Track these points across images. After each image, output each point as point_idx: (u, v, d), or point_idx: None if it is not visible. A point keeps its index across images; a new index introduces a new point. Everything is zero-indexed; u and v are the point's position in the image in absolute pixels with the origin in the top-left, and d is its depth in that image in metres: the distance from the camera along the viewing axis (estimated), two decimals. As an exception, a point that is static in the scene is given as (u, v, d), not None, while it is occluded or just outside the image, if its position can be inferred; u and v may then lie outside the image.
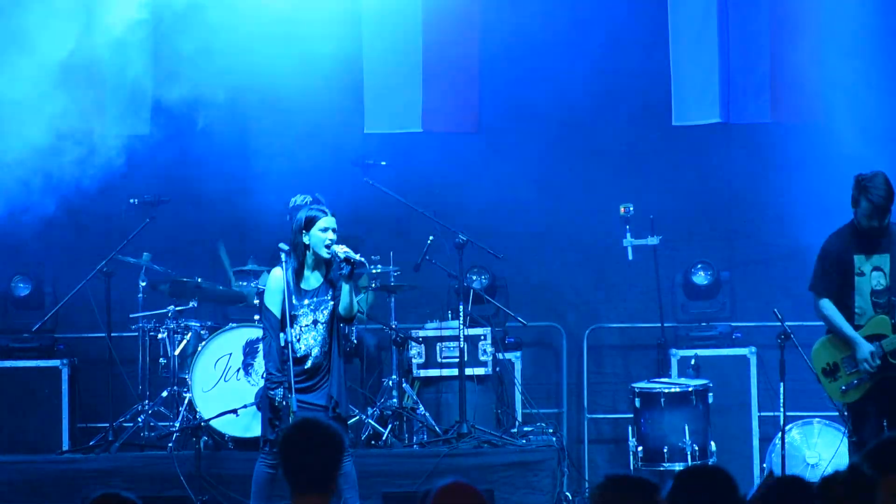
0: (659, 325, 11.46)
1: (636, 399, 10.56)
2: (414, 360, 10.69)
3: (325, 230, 8.41)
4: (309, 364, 8.39)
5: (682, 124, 12.08)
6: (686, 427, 10.34)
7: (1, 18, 11.01)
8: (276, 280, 8.44)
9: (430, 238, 10.59)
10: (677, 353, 11.32)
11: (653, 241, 11.40)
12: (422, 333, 10.75)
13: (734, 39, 11.92)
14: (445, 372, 10.63)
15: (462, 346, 10.33)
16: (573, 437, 11.87)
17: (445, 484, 4.47)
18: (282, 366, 8.32)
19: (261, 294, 9.71)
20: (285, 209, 10.62)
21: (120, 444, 10.22)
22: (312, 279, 8.47)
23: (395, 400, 10.51)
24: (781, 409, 9.52)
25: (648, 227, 11.39)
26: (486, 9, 12.07)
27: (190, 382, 10.24)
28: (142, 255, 10.77)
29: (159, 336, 10.62)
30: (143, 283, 10.73)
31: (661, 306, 11.47)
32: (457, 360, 10.41)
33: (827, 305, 8.95)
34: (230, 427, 10.07)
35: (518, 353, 11.43)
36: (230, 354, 10.27)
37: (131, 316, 10.74)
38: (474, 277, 11.25)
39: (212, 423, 10.03)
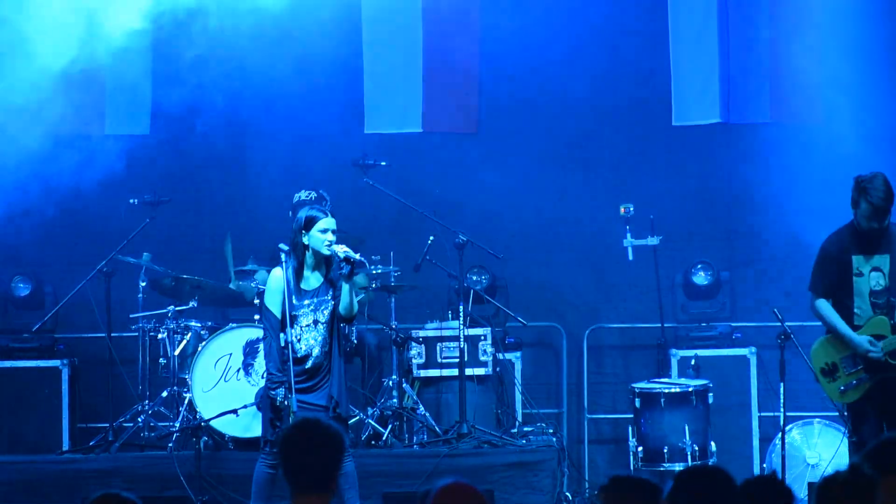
0: (659, 325, 11.46)
1: (636, 399, 10.56)
2: (414, 361, 10.68)
3: (324, 231, 8.41)
4: (309, 364, 8.39)
5: (682, 124, 12.08)
6: (686, 427, 10.33)
7: (2, 25, 11.03)
8: (276, 280, 8.44)
9: (431, 238, 10.59)
10: (677, 354, 11.32)
11: (653, 241, 11.40)
12: (422, 334, 10.74)
13: (734, 39, 11.93)
14: (445, 372, 10.62)
15: (462, 346, 10.32)
16: (573, 438, 11.86)
17: (445, 484, 4.48)
18: (282, 366, 8.32)
19: (261, 294, 9.71)
20: (286, 209, 10.63)
21: (120, 445, 10.22)
22: (312, 279, 8.47)
23: (395, 400, 10.51)
24: (781, 410, 9.51)
25: (648, 227, 11.39)
26: (485, 9, 12.07)
27: (190, 382, 10.23)
28: (142, 255, 10.76)
29: (159, 336, 10.61)
30: (144, 283, 10.73)
31: (661, 306, 11.47)
32: (457, 360, 10.41)
33: (823, 305, 8.95)
34: (230, 427, 10.06)
35: (518, 354, 11.43)
36: (230, 354, 10.26)
37: (131, 316, 10.74)
38: (474, 277, 11.24)
39: (212, 423, 10.03)
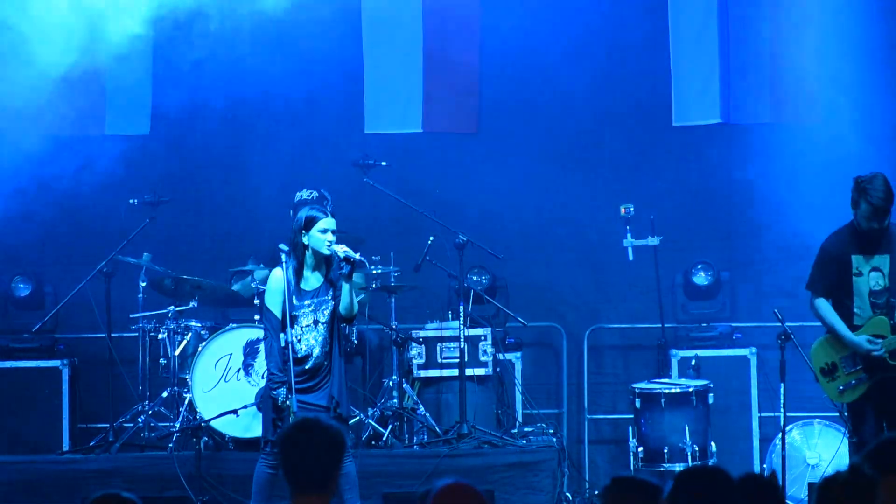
0: (659, 325, 11.46)
1: (636, 399, 10.56)
2: (414, 361, 10.68)
3: (324, 231, 8.41)
4: (310, 364, 8.39)
5: (682, 124, 12.08)
6: (686, 427, 10.33)
7: (4, 28, 11.06)
8: (276, 280, 8.44)
9: (431, 238, 10.59)
10: (677, 354, 11.32)
11: (653, 241, 11.40)
12: (422, 334, 10.74)
13: (734, 40, 11.93)
14: (446, 372, 10.62)
15: (462, 346, 10.32)
16: (573, 438, 11.86)
17: (445, 484, 4.48)
18: (283, 366, 8.32)
19: (261, 294, 9.71)
20: (286, 209, 10.62)
21: (120, 445, 10.22)
22: (313, 279, 8.47)
23: (395, 400, 10.51)
24: (782, 410, 9.51)
25: (649, 227, 11.39)
26: (486, 9, 12.07)
27: (190, 383, 10.23)
28: (142, 255, 10.76)
29: (159, 336, 10.61)
30: (144, 284, 10.73)
31: (661, 307, 11.47)
32: (457, 360, 10.41)
33: (822, 305, 8.96)
34: (230, 427, 10.06)
35: (518, 354, 11.43)
36: (230, 355, 10.26)
37: (131, 316, 10.74)
38: (474, 278, 11.24)
39: (212, 423, 10.03)
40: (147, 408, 10.44)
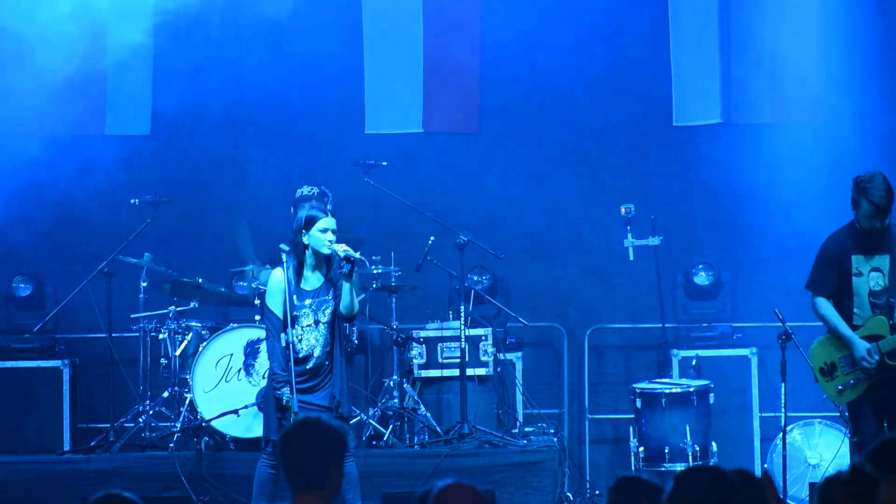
0: (660, 325, 11.46)
1: (637, 399, 10.56)
2: (415, 361, 10.68)
3: (324, 231, 8.40)
4: (311, 364, 8.39)
5: (683, 124, 12.09)
6: (687, 427, 10.33)
7: (5, 34, 11.11)
8: (277, 281, 8.44)
9: (431, 238, 10.58)
10: (678, 354, 11.32)
11: (654, 241, 11.39)
12: (423, 334, 10.74)
13: (735, 40, 11.93)
14: (446, 372, 10.62)
15: (463, 346, 10.32)
16: (574, 438, 11.86)
17: (446, 484, 4.48)
18: (285, 365, 8.32)
19: (261, 294, 9.71)
20: (287, 209, 10.62)
21: (121, 445, 10.22)
22: (313, 279, 8.47)
23: (396, 400, 10.51)
24: (782, 410, 9.51)
25: (649, 227, 11.39)
26: (486, 9, 12.07)
27: (191, 383, 10.23)
28: (143, 255, 10.76)
29: (160, 336, 10.61)
30: (145, 284, 10.73)
31: (662, 307, 11.47)
32: (458, 360, 10.41)
33: (823, 304, 8.96)
34: (231, 427, 10.06)
35: (519, 354, 11.43)
36: (231, 355, 10.26)
37: (132, 316, 10.74)
38: (475, 278, 11.24)
39: (213, 423, 10.03)
40: (148, 408, 10.44)
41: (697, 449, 10.28)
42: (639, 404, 10.54)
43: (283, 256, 8.46)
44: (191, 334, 10.55)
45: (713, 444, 10.45)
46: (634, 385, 10.73)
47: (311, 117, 12.13)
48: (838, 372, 8.92)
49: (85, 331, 11.47)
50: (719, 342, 11.51)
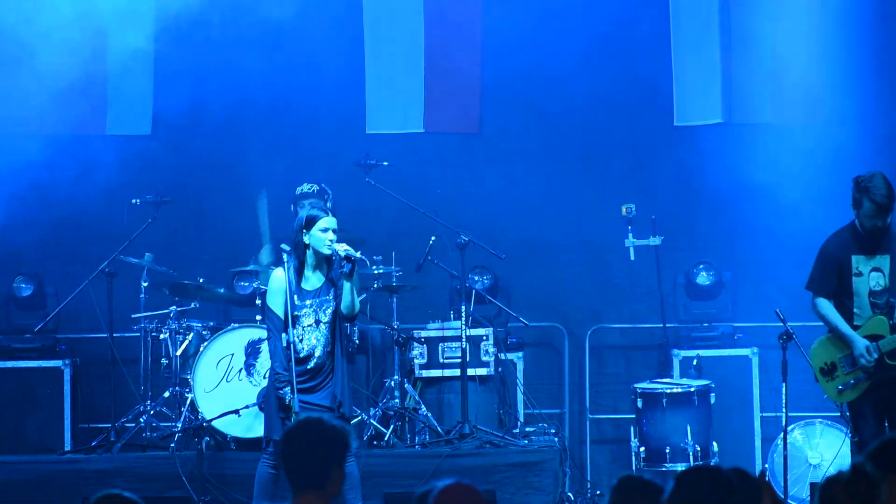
0: (661, 325, 11.45)
1: (638, 399, 10.56)
2: (416, 361, 10.68)
3: (325, 230, 8.40)
4: (312, 364, 8.39)
5: (683, 124, 12.09)
6: (688, 427, 10.33)
7: (8, 37, 11.14)
8: (277, 281, 8.44)
9: (432, 238, 10.58)
10: (679, 354, 11.31)
11: (655, 241, 11.39)
12: (424, 334, 10.74)
13: (736, 40, 11.93)
14: (447, 372, 10.62)
15: (464, 346, 10.32)
16: (575, 438, 11.85)
17: (447, 484, 4.48)
18: (286, 365, 8.32)
19: (262, 294, 9.71)
20: (288, 209, 10.62)
21: (122, 445, 10.22)
22: (314, 279, 8.47)
23: (397, 400, 10.51)
24: (783, 410, 9.51)
25: (650, 227, 11.38)
26: (487, 10, 12.07)
27: (192, 383, 10.23)
28: (144, 255, 10.76)
29: (161, 336, 10.61)
30: (145, 284, 10.73)
31: (662, 307, 11.46)
32: (459, 360, 10.41)
33: (823, 304, 8.96)
34: (232, 427, 10.06)
35: (520, 354, 11.42)
36: (232, 355, 10.26)
37: (133, 316, 10.74)
38: (476, 278, 11.24)
39: (214, 423, 10.03)
40: (149, 408, 10.44)
41: (698, 449, 10.28)
42: (640, 404, 10.54)
43: (284, 256, 8.46)
44: (192, 334, 10.55)
45: (714, 444, 10.45)
46: (635, 385, 10.73)
47: (311, 117, 12.13)
48: (838, 372, 8.92)
49: (86, 331, 11.47)
50: (720, 342, 11.50)
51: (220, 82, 11.81)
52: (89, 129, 11.83)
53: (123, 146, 11.96)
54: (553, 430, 10.85)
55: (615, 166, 12.23)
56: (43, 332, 11.19)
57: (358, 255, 8.36)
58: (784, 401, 9.46)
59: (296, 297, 8.37)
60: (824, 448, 10.95)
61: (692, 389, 10.50)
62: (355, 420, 10.00)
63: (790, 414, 9.75)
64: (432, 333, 10.73)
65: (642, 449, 10.45)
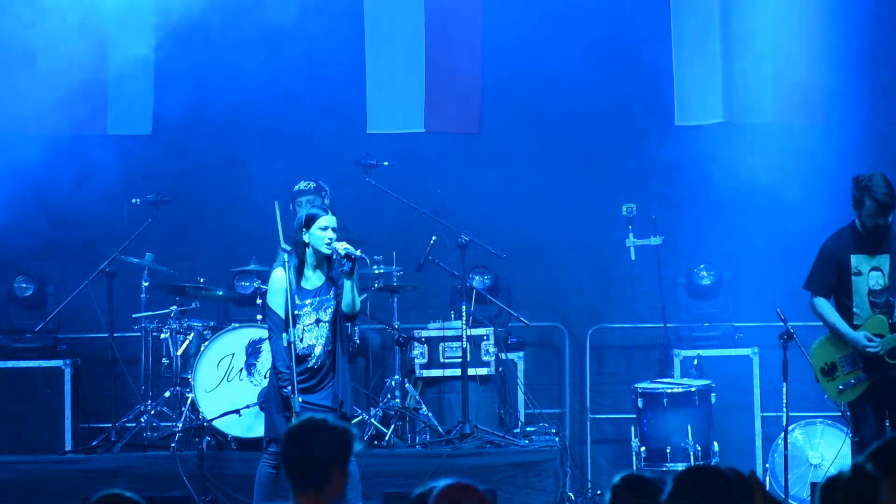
0: (662, 325, 11.45)
1: (639, 399, 10.55)
2: (417, 361, 10.68)
3: (324, 229, 8.40)
4: (312, 363, 8.39)
5: (684, 124, 12.09)
6: (689, 427, 10.33)
7: (8, 41, 11.16)
8: (278, 280, 8.44)
9: (433, 238, 10.58)
10: (680, 354, 11.31)
11: (655, 241, 11.39)
12: (424, 333, 10.74)
13: (736, 40, 11.93)
14: (448, 372, 10.62)
15: (465, 346, 10.32)
16: (576, 438, 11.86)
17: (447, 484, 4.48)
18: (289, 363, 8.32)
19: (263, 294, 9.71)
20: (288, 208, 10.62)
21: (122, 445, 10.22)
22: (314, 278, 8.47)
23: (397, 400, 10.51)
24: (784, 410, 9.51)
25: (651, 227, 11.38)
26: (488, 10, 12.08)
27: (192, 382, 10.23)
28: (144, 255, 10.77)
29: (162, 336, 10.61)
30: (146, 284, 10.74)
31: (663, 306, 11.47)
32: (459, 360, 10.41)
33: (822, 304, 8.97)
34: (233, 427, 10.07)
35: (521, 354, 11.42)
36: (233, 355, 10.26)
37: (134, 316, 10.74)
38: (477, 277, 11.24)
39: (214, 423, 10.03)
40: (149, 408, 10.44)
41: (699, 449, 10.27)
42: (640, 404, 10.53)
43: (285, 256, 8.46)
44: (192, 334, 10.55)
45: (715, 443, 10.44)
46: (636, 385, 10.72)
47: (312, 117, 12.13)
48: (839, 372, 8.92)
49: (86, 331, 11.47)
50: (721, 342, 11.50)
51: (220, 82, 11.82)
52: (90, 130, 11.84)
53: (124, 146, 11.96)
54: (554, 430, 10.85)
55: (616, 166, 12.23)
56: (43, 331, 11.20)
57: (358, 253, 8.36)
58: (784, 401, 9.46)
59: (296, 296, 8.37)
60: (825, 448, 10.95)
61: (693, 389, 10.50)
62: (356, 420, 10.00)
63: (791, 414, 9.75)
64: (433, 333, 10.73)
65: (643, 449, 10.45)
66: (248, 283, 11.01)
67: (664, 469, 10.27)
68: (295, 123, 12.14)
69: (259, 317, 10.34)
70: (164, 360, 10.56)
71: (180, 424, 10.23)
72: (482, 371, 10.60)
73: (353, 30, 12.06)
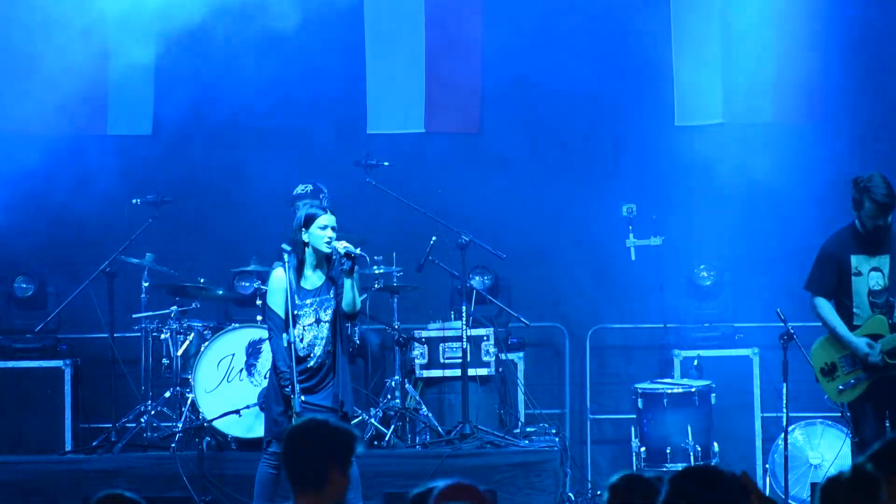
0: (662, 325, 11.45)
1: (639, 399, 10.56)
2: (417, 361, 10.68)
3: (324, 228, 8.40)
4: (312, 363, 8.39)
5: (684, 125, 12.09)
6: (689, 428, 10.33)
7: (11, 46, 11.18)
8: (278, 280, 8.44)
9: (433, 238, 10.58)
10: (680, 354, 11.31)
11: (656, 241, 11.39)
12: (424, 334, 10.74)
13: (736, 40, 11.93)
14: (448, 372, 10.62)
15: (465, 346, 10.32)
16: (576, 438, 11.85)
17: (447, 484, 4.48)
18: (289, 363, 8.32)
19: (263, 294, 9.71)
20: (289, 209, 10.62)
21: (123, 445, 10.22)
22: (314, 278, 8.47)
23: (397, 400, 10.51)
24: (784, 410, 9.51)
25: (651, 227, 11.38)
26: (488, 9, 12.08)
27: (192, 383, 10.24)
28: (144, 255, 10.77)
29: (162, 336, 10.61)
30: (146, 284, 10.74)
31: (663, 307, 11.46)
32: (459, 360, 10.41)
33: (823, 305, 8.96)
34: (233, 427, 10.07)
35: (521, 354, 11.42)
36: (233, 355, 10.26)
37: (134, 316, 10.75)
38: (477, 278, 11.24)
39: (214, 423, 10.03)
40: (149, 408, 10.45)
41: (699, 449, 10.27)
42: (640, 404, 10.53)
43: (285, 256, 8.46)
44: (192, 334, 10.56)
45: (715, 444, 10.45)
46: (636, 385, 10.72)
47: (312, 117, 12.13)
48: (839, 372, 8.92)
49: (87, 331, 11.48)
50: (721, 342, 11.49)
51: (221, 82, 11.81)
52: (90, 130, 11.84)
53: (124, 146, 11.96)
54: (554, 431, 10.84)
55: (616, 166, 12.22)
56: (44, 332, 11.19)
57: (358, 251, 8.36)
58: (785, 401, 9.46)
59: (296, 296, 8.37)
60: (825, 448, 10.95)
61: (693, 390, 10.50)
62: (356, 420, 10.00)
63: (791, 414, 9.75)
64: (433, 333, 10.73)
65: (643, 449, 10.45)
66: (248, 284, 11.02)
67: (664, 469, 10.26)
68: (295, 123, 12.14)
69: (259, 317, 10.35)
70: (165, 361, 10.57)
71: (180, 425, 10.23)
72: (482, 371, 10.60)
73: (354, 30, 12.06)
